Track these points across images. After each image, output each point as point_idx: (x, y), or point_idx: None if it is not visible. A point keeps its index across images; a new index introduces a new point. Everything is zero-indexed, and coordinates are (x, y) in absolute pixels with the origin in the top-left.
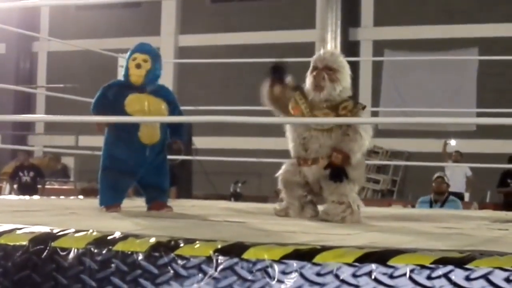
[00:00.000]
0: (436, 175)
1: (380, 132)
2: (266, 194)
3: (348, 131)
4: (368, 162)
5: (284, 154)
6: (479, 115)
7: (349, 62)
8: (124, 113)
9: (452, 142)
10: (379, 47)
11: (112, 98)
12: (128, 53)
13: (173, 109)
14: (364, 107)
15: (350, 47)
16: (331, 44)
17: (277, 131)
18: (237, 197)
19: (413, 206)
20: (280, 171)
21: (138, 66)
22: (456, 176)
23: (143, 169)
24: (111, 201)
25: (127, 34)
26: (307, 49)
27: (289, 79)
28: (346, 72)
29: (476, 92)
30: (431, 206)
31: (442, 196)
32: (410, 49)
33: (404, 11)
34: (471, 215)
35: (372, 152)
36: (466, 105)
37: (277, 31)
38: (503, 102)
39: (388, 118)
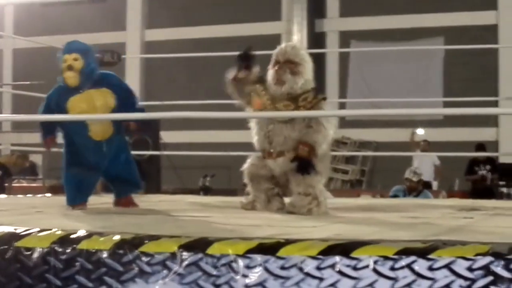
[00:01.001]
0: (405, 176)
1: (348, 122)
2: (235, 187)
3: (311, 122)
4: (336, 153)
5: (253, 147)
6: (446, 104)
7: (316, 54)
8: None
9: (420, 131)
10: (346, 38)
11: (55, 107)
12: (58, 55)
13: (121, 95)
14: (324, 98)
15: (316, 39)
16: (297, 36)
17: (245, 124)
18: (206, 191)
19: (382, 196)
20: (246, 165)
21: (70, 67)
22: (424, 165)
23: (105, 164)
24: (77, 200)
25: (93, 30)
26: (274, 41)
27: (256, 69)
28: (308, 65)
29: (443, 81)
30: (404, 196)
31: (415, 191)
32: (376, 39)
33: (370, 2)
34: (438, 204)
35: (341, 143)
36: (433, 94)
37: (243, 24)
38: (470, 91)
39: (355, 111)
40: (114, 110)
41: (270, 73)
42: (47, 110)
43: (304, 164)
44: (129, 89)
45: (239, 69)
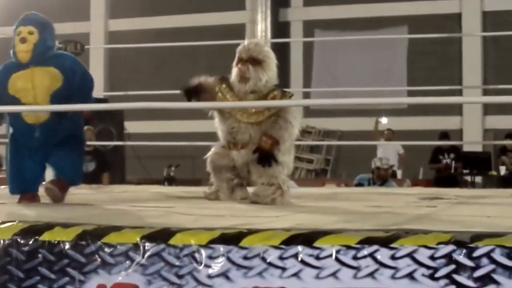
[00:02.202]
0: (373, 166)
1: (312, 112)
2: (200, 177)
3: (278, 121)
4: (301, 142)
5: (217, 137)
6: (410, 93)
7: (280, 43)
8: (7, 94)
9: (384, 120)
10: (310, 27)
11: (0, 84)
12: (13, 28)
13: (73, 78)
14: (291, 96)
15: (280, 28)
16: (261, 25)
17: (209, 114)
18: (171, 181)
19: (346, 185)
20: (209, 154)
21: (23, 40)
22: (389, 153)
23: (41, 150)
24: (16, 189)
25: (57, 20)
26: (238, 30)
27: (207, 80)
28: (272, 61)
29: (407, 70)
30: (369, 185)
31: (381, 180)
32: (340, 28)
33: None
34: (401, 193)
35: (305, 132)
36: (397, 83)
37: (207, 13)
38: (433, 80)
39: (320, 100)
40: (59, 93)
41: (234, 71)
42: None
43: (265, 156)
44: (84, 74)
45: (189, 100)
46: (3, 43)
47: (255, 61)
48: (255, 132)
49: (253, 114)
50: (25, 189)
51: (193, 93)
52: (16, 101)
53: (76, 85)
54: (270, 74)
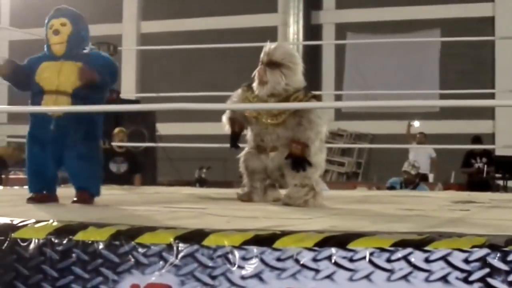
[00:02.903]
0: (403, 168)
1: (344, 115)
2: (231, 179)
3: (302, 122)
4: (332, 145)
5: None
6: (442, 96)
7: (312, 46)
8: (34, 80)
9: (416, 124)
10: (342, 30)
11: (28, 69)
12: (45, 22)
13: (100, 75)
14: (315, 96)
15: (312, 31)
16: (294, 28)
17: None
18: (202, 182)
19: (378, 188)
20: (241, 154)
21: (56, 32)
22: (420, 157)
23: (53, 147)
24: (32, 187)
25: (89, 22)
26: (270, 33)
27: (235, 114)
28: (295, 65)
29: (439, 73)
30: (401, 188)
31: (412, 183)
32: (372, 31)
33: None
34: (434, 196)
35: (337, 135)
36: (429, 86)
37: (239, 15)
38: (466, 83)
39: (351, 102)
40: (83, 91)
41: (255, 75)
42: (22, 67)
43: (298, 162)
44: (112, 73)
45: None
46: (36, 44)
47: (273, 65)
48: (281, 133)
49: (275, 116)
50: (40, 188)
51: (237, 137)
52: (39, 88)
53: (103, 83)
54: (292, 77)
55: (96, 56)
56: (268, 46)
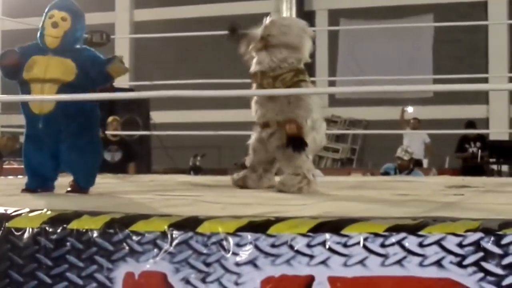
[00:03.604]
0: (396, 154)
1: (338, 101)
2: (226, 166)
3: (290, 98)
4: (326, 131)
5: (243, 126)
6: (436, 81)
7: None
8: (21, 75)
9: (410, 109)
10: (335, 16)
11: (20, 57)
12: (46, 9)
13: (86, 74)
14: (303, 80)
15: (305, 17)
16: (287, 14)
17: (235, 103)
18: (197, 170)
19: (372, 174)
20: (252, 135)
21: (55, 25)
22: (415, 143)
23: (47, 144)
24: (29, 183)
25: (82, 10)
26: (263, 20)
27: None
28: (291, 37)
29: (433, 58)
30: (395, 174)
31: (407, 169)
32: (366, 17)
33: None
34: (428, 182)
35: (331, 121)
36: (422, 72)
37: (232, 2)
38: (460, 68)
39: (345, 88)
40: (68, 87)
41: None
42: (13, 54)
43: (295, 142)
44: (101, 71)
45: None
46: (28, 33)
47: (267, 40)
48: (271, 107)
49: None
50: (37, 185)
51: (237, 35)
52: (26, 85)
53: (91, 81)
54: (286, 53)
55: (84, 51)
56: (266, 20)
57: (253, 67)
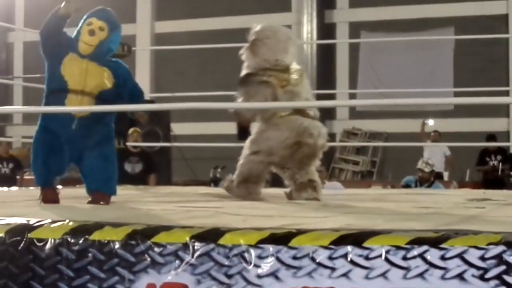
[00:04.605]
0: (417, 166)
1: (358, 113)
2: None
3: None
4: (347, 144)
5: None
6: (457, 94)
7: (326, 45)
8: (58, 72)
9: (430, 122)
10: (356, 28)
11: (65, 43)
12: (85, 16)
13: (123, 85)
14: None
15: (326, 30)
16: (307, 27)
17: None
18: (217, 182)
19: (393, 187)
20: None
21: (92, 32)
22: (435, 155)
23: (72, 145)
24: (43, 180)
25: None
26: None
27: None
28: (272, 42)
29: (453, 71)
30: (416, 187)
31: (427, 182)
32: (386, 30)
33: None
34: (449, 194)
35: (351, 134)
36: (443, 84)
37: (253, 15)
38: (480, 81)
39: (365, 100)
40: (106, 95)
41: None
42: (59, 35)
43: (239, 132)
44: (136, 87)
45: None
46: None
47: (251, 43)
48: None
49: None
50: (48, 182)
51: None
52: (63, 83)
53: (126, 96)
54: (267, 55)
55: (118, 63)
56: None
57: (243, 71)
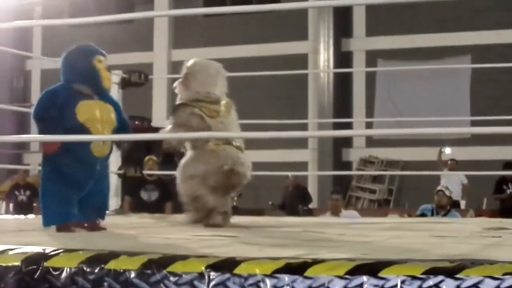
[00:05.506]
0: (437, 188)
1: (375, 142)
2: (262, 207)
3: None
4: (364, 172)
5: (280, 166)
6: (474, 123)
7: (343, 73)
8: (75, 121)
9: (447, 150)
10: (372, 57)
11: (60, 106)
12: (88, 52)
13: (119, 118)
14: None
15: (343, 58)
16: (324, 55)
17: (271, 144)
18: (234, 210)
19: (409, 215)
20: None
21: (109, 69)
22: (452, 184)
23: (91, 184)
24: (62, 219)
25: (121, 50)
26: (301, 60)
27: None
28: (203, 75)
29: (470, 99)
30: (432, 215)
31: (444, 209)
32: (403, 58)
33: (396, 20)
34: (466, 223)
35: (368, 162)
36: (460, 112)
37: (270, 43)
38: (497, 109)
39: (382, 130)
40: (115, 129)
41: None
42: (51, 106)
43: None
44: (126, 119)
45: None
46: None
47: (184, 78)
48: None
49: None
50: (68, 219)
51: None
52: (84, 129)
53: (120, 125)
54: (198, 87)
55: (113, 98)
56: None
57: (177, 101)
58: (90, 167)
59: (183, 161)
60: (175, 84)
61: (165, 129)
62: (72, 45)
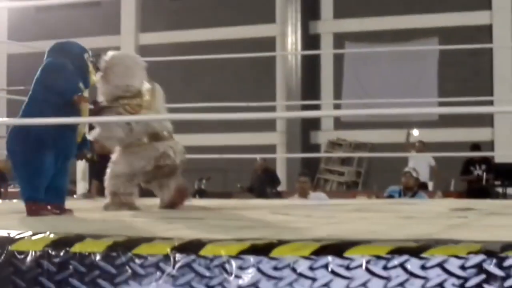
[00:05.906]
0: (404, 169)
1: (343, 124)
2: (231, 189)
3: None
4: (331, 154)
5: (248, 150)
6: (441, 104)
7: (311, 56)
8: (74, 107)
9: (415, 132)
10: (340, 39)
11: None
12: (81, 50)
13: None
14: (102, 108)
15: (311, 41)
16: (292, 38)
17: (239, 127)
18: (202, 194)
19: (377, 197)
20: None
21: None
22: (420, 165)
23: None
24: (36, 194)
25: (88, 34)
26: (268, 43)
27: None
28: (120, 68)
29: (437, 81)
30: (400, 197)
31: (411, 191)
32: (371, 40)
33: (363, 3)
34: (433, 204)
35: (336, 145)
36: (427, 94)
37: (237, 26)
38: (465, 91)
39: (350, 111)
40: None
41: None
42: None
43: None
44: None
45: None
46: (34, 57)
47: (103, 73)
48: None
49: None
50: (38, 197)
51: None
52: (77, 112)
53: None
54: (117, 82)
55: None
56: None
57: (99, 97)
58: (69, 143)
59: (113, 157)
60: (95, 78)
61: (95, 132)
62: (39, 29)
